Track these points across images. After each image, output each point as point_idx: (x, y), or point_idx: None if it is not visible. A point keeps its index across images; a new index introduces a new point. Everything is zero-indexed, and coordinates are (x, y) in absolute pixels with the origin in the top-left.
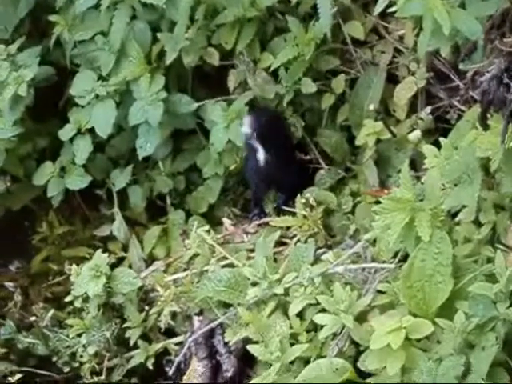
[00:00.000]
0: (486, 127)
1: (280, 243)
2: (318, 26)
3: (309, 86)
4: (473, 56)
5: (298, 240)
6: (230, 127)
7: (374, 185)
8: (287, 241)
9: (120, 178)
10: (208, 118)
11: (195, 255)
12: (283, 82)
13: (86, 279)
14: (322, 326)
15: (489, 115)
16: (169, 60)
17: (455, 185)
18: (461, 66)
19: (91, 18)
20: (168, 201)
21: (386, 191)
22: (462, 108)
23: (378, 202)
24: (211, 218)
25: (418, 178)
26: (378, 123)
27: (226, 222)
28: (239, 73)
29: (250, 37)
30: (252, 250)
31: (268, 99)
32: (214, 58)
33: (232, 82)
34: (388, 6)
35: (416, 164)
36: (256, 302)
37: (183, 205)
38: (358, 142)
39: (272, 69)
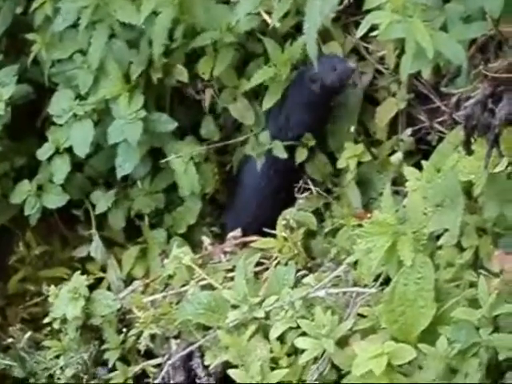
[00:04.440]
0: (470, 152)
1: (259, 263)
2: (295, 46)
3: None
4: (456, 80)
5: (279, 262)
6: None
7: (358, 207)
8: (266, 261)
9: (101, 201)
10: None
11: (173, 276)
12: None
13: (64, 301)
14: (303, 350)
15: (472, 140)
16: (135, 74)
17: (437, 207)
18: (444, 90)
19: (69, 36)
20: (146, 221)
21: (369, 215)
22: (443, 130)
23: (360, 225)
24: (191, 238)
25: (402, 195)
26: (359, 145)
27: (206, 240)
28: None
29: (227, 62)
30: (230, 270)
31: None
32: (184, 76)
33: (207, 102)
34: (370, 29)
35: (398, 186)
36: (236, 326)
37: (162, 224)
38: (339, 165)
39: (248, 88)
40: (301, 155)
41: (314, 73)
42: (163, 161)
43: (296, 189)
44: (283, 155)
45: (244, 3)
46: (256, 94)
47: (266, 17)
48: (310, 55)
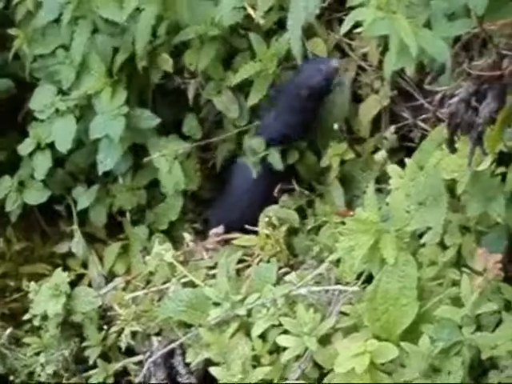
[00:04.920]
0: (453, 151)
1: (241, 260)
2: (281, 42)
3: None
4: (440, 78)
5: (261, 259)
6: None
7: (341, 205)
8: (248, 259)
9: (83, 197)
10: None
11: (155, 273)
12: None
13: (45, 298)
14: (285, 348)
15: (456, 138)
16: (120, 60)
17: (420, 205)
18: (427, 87)
19: (52, 31)
20: (128, 217)
21: (351, 212)
22: (426, 127)
23: (343, 223)
24: (173, 235)
25: (385, 193)
26: (343, 144)
27: (187, 237)
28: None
29: (211, 55)
30: (212, 267)
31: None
32: (168, 65)
33: (191, 94)
34: (353, 26)
35: (382, 184)
36: (218, 323)
37: (144, 221)
38: (322, 164)
39: (234, 84)
40: (292, 157)
41: (301, 78)
42: (147, 159)
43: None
44: (279, 166)
45: None
46: (241, 88)
47: (250, 11)
48: (293, 52)
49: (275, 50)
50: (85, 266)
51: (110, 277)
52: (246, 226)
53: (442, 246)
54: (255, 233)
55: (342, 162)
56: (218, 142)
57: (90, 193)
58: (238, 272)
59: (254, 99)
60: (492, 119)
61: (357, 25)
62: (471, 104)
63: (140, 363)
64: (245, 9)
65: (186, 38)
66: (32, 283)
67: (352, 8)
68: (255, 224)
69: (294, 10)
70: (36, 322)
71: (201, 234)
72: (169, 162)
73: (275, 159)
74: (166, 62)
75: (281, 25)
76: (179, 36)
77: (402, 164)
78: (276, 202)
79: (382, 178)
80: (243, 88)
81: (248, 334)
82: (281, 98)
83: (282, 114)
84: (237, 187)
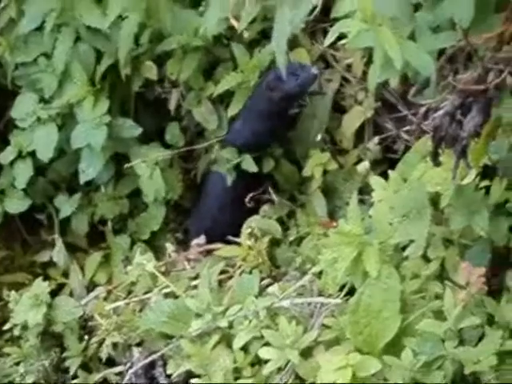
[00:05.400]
0: (438, 164)
1: (223, 271)
2: (263, 53)
3: None
4: (425, 91)
5: (243, 271)
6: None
7: (323, 216)
8: (230, 269)
9: (65, 206)
10: None
11: (136, 283)
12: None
13: (25, 307)
14: (267, 361)
15: (440, 151)
16: (102, 68)
17: (403, 217)
18: (412, 99)
19: (34, 39)
20: (109, 226)
21: (334, 223)
22: (410, 139)
23: (326, 234)
24: (155, 244)
25: (368, 204)
26: (325, 154)
27: (169, 247)
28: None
29: (193, 66)
30: (194, 278)
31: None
32: (152, 73)
33: (173, 104)
34: (338, 37)
35: (365, 195)
36: (199, 335)
37: (125, 230)
38: (304, 173)
39: (215, 95)
40: (267, 165)
41: (272, 80)
42: (128, 165)
43: (257, 198)
44: (253, 169)
45: (213, 9)
46: (221, 99)
47: (234, 22)
48: (278, 65)
49: (257, 61)
50: (66, 275)
51: (92, 286)
52: (229, 237)
53: (426, 259)
54: (238, 243)
55: (325, 173)
56: (199, 152)
57: (72, 201)
58: (220, 283)
59: (234, 110)
60: (477, 133)
61: (341, 36)
62: (456, 117)
63: (121, 374)
64: (228, 19)
65: (169, 48)
66: (12, 292)
67: (336, 19)
68: (230, 232)
69: (279, 22)
70: (16, 332)
71: (183, 244)
72: (150, 168)
73: (248, 163)
74: (150, 70)
75: (264, 35)
76: (162, 45)
77: (385, 175)
78: (250, 210)
79: (365, 189)
80: (224, 98)
81: (230, 346)
82: (250, 101)
83: (249, 120)
84: (207, 195)
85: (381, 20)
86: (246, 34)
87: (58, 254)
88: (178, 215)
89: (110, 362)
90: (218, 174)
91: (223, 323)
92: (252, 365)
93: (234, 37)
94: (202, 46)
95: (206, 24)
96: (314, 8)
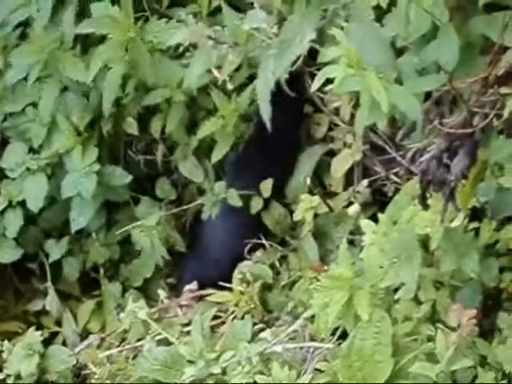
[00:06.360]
0: (425, 207)
1: (216, 317)
2: (243, 96)
3: None
4: (412, 134)
5: (235, 316)
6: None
7: (315, 260)
8: (223, 315)
9: (55, 250)
10: None
11: (129, 330)
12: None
13: (18, 358)
14: None
15: (428, 194)
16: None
17: (394, 260)
18: (399, 142)
19: (21, 89)
20: (102, 273)
21: (325, 267)
22: (399, 181)
23: (317, 278)
24: (147, 291)
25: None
26: (315, 197)
27: (162, 293)
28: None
29: (177, 120)
30: (187, 324)
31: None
32: (134, 129)
33: (159, 159)
34: (325, 82)
35: (355, 236)
36: (193, 382)
37: (117, 277)
38: (295, 217)
39: (198, 138)
40: (256, 205)
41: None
42: (120, 231)
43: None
44: (238, 203)
45: (196, 64)
46: (206, 152)
47: (216, 73)
48: (263, 117)
49: (236, 104)
50: (59, 323)
51: (85, 334)
52: (220, 283)
53: (417, 301)
54: (230, 289)
55: (315, 216)
56: (191, 199)
57: (61, 245)
58: (213, 328)
59: (217, 156)
60: (464, 176)
61: (328, 80)
62: (443, 161)
63: None
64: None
65: (153, 102)
66: (5, 342)
67: (323, 63)
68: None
69: (262, 72)
70: (10, 382)
71: (175, 289)
72: (148, 236)
73: (234, 199)
74: (131, 126)
75: (252, 79)
76: (146, 99)
77: (375, 218)
78: (241, 253)
79: (356, 231)
80: (209, 150)
81: None
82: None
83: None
84: (206, 238)
85: (366, 65)
86: (229, 86)
87: (51, 302)
88: (171, 260)
89: None
90: (211, 219)
91: (216, 369)
92: None
93: (218, 87)
94: (185, 100)
95: (189, 78)
96: (298, 58)
